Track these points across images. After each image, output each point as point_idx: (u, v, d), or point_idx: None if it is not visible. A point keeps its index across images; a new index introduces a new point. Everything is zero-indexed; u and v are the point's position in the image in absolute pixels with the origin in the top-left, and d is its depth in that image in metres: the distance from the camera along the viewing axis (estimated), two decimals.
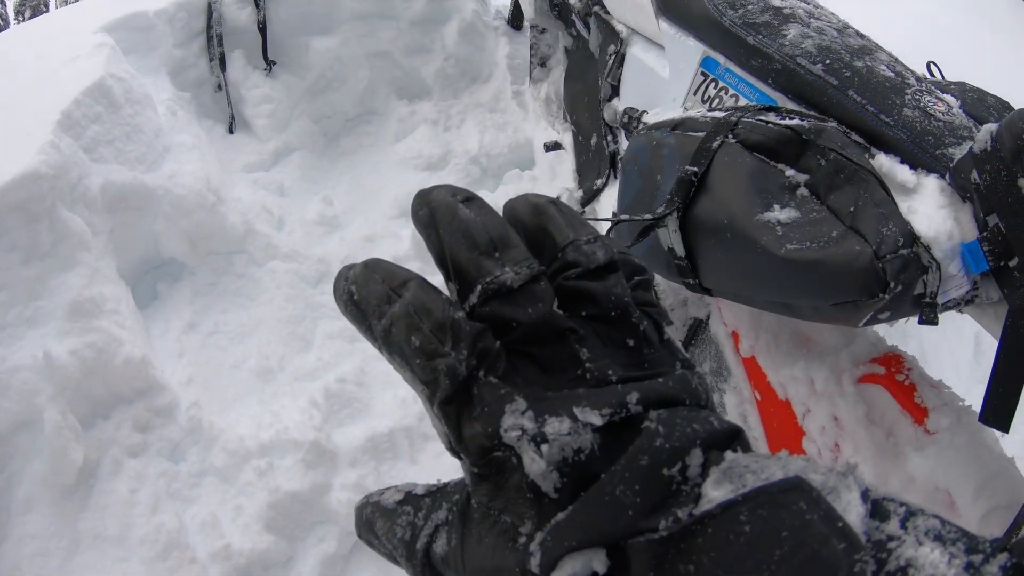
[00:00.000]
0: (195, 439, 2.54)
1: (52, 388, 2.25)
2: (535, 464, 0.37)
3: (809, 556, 0.31)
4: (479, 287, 0.40)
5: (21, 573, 2.12)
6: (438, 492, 0.46)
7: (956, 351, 3.06)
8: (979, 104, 1.56)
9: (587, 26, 2.57)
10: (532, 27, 3.35)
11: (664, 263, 1.54)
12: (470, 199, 0.44)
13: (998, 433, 1.37)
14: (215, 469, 2.51)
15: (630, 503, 0.35)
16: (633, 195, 1.63)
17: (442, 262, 0.43)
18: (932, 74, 1.87)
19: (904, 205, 1.29)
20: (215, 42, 3.63)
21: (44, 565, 2.15)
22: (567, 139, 3.00)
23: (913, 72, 1.56)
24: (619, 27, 2.34)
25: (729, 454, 0.37)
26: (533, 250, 0.43)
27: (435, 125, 3.85)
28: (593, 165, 2.67)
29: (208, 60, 3.67)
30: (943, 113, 1.44)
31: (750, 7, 1.70)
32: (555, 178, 3.32)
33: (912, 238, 1.23)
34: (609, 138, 2.49)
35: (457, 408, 0.39)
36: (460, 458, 0.41)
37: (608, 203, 2.55)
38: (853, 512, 0.34)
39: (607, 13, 2.41)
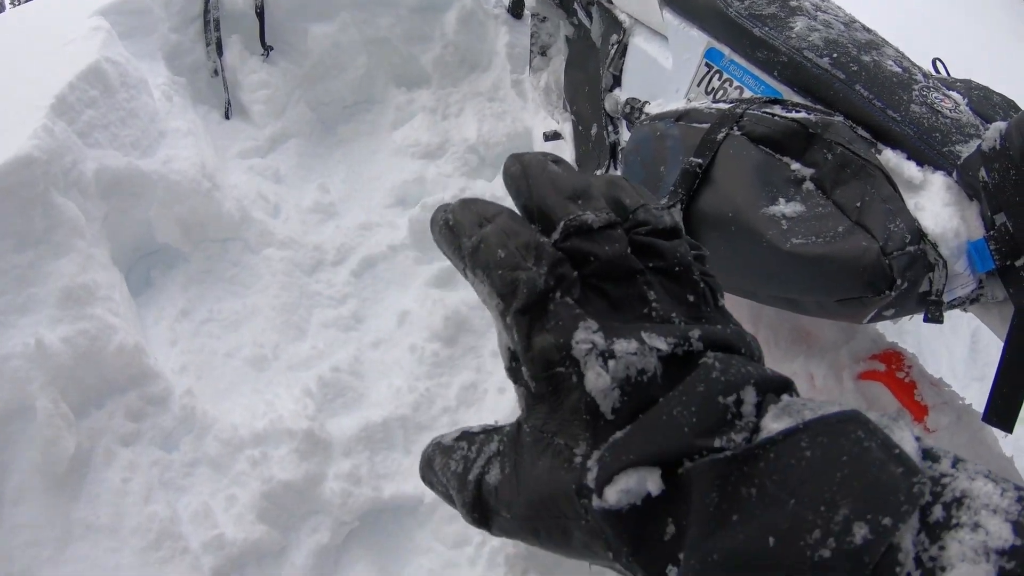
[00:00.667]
0: (188, 428, 2.52)
1: (44, 376, 2.23)
2: (600, 379, 0.39)
3: (869, 480, 0.34)
4: (562, 223, 0.44)
5: (13, 562, 2.10)
6: (493, 430, 0.48)
7: (953, 349, 3.06)
8: (985, 102, 1.55)
9: (589, 15, 2.56)
10: (533, 15, 3.33)
11: None
12: (558, 160, 0.48)
13: (998, 432, 1.37)
14: (208, 458, 2.50)
15: (687, 423, 0.38)
16: None
17: (527, 209, 0.46)
18: (938, 71, 1.86)
19: (910, 202, 1.28)
20: (212, 27, 3.61)
21: (36, 555, 2.14)
22: (567, 129, 2.98)
23: (920, 68, 1.55)
24: (622, 16, 2.32)
25: (786, 397, 0.40)
26: None
27: (433, 113, 3.83)
28: (593, 155, 2.65)
29: (205, 45, 3.64)
30: (950, 110, 1.43)
31: None
32: None
33: (919, 235, 1.23)
34: (609, 128, 2.48)
35: (530, 319, 0.42)
36: (517, 381, 0.44)
37: None
38: (908, 445, 0.36)
39: (610, 2, 2.39)
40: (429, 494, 2.53)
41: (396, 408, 2.72)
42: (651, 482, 0.37)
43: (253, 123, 3.67)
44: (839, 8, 1.72)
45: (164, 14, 3.50)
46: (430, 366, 2.84)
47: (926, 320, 1.25)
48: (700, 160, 1.42)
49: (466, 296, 3.00)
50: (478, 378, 2.83)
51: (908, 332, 2.96)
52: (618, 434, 0.39)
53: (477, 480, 0.46)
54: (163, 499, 2.34)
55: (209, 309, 2.95)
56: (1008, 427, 1.28)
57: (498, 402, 2.72)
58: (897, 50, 1.59)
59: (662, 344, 0.41)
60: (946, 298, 1.26)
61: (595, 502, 0.38)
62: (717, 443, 0.37)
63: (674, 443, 0.37)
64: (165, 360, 2.68)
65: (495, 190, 3.35)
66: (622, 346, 0.40)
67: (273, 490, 2.43)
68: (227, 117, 3.67)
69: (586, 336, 0.40)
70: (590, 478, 0.39)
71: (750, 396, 0.39)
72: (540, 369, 0.42)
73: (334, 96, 3.93)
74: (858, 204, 1.24)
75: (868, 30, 1.63)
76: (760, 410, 0.39)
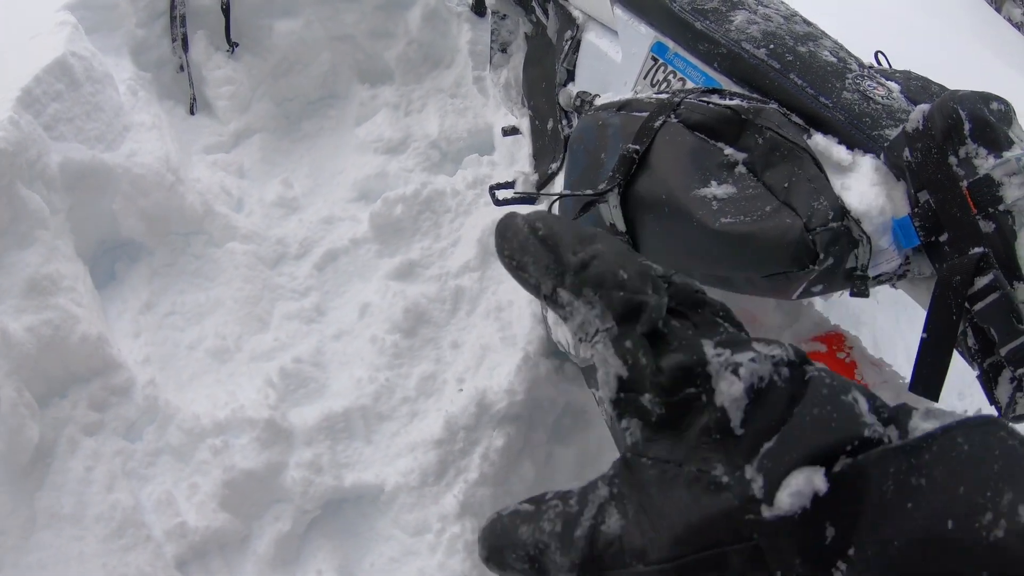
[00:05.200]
0: (151, 418, 2.54)
1: (8, 365, 2.25)
2: (733, 387, 0.41)
3: (1022, 472, 0.37)
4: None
5: None
6: (586, 486, 0.45)
7: (908, 337, 3.12)
8: (923, 91, 1.60)
9: (546, 12, 2.60)
10: (494, 13, 3.36)
11: None
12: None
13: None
14: (171, 447, 2.52)
15: (829, 418, 0.40)
16: (579, 173, 1.67)
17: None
18: (879, 63, 1.91)
19: (838, 183, 1.34)
20: (178, 22, 3.62)
21: (1, 544, 2.16)
22: (524, 124, 3.02)
23: (857, 59, 1.61)
24: (576, 13, 2.37)
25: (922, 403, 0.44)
26: None
27: (396, 109, 3.85)
28: (549, 149, 2.69)
29: (171, 40, 3.65)
30: (883, 97, 1.48)
31: None
32: (514, 163, 3.35)
33: (842, 212, 1.28)
34: (564, 122, 2.52)
35: (656, 342, 0.43)
36: (627, 414, 0.44)
37: (561, 184, 2.59)
38: None
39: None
40: (390, 482, 2.56)
41: (357, 398, 2.75)
42: (817, 480, 0.38)
43: (217, 118, 3.69)
44: (781, 2, 1.77)
45: (130, 9, 3.50)
46: (390, 357, 2.86)
47: (852, 294, 1.31)
48: (637, 146, 1.47)
49: (425, 288, 3.03)
50: (437, 368, 2.86)
51: (864, 323, 3.04)
52: (769, 443, 0.39)
53: (589, 535, 0.43)
54: (126, 488, 2.36)
55: (172, 302, 2.97)
56: (934, 396, 1.33)
57: (457, 393, 2.75)
58: (835, 42, 1.64)
59: (777, 351, 0.43)
60: (872, 273, 1.32)
61: (766, 512, 0.38)
62: (866, 432, 0.39)
63: (830, 438, 0.39)
64: (129, 351, 2.69)
65: (455, 184, 3.38)
66: (741, 356, 0.42)
67: (235, 479, 2.45)
68: (192, 112, 3.68)
69: (715, 351, 0.42)
70: (755, 488, 0.39)
71: (860, 397, 0.41)
72: (670, 392, 0.42)
73: (298, 92, 3.94)
74: (786, 184, 1.29)
75: (808, 23, 1.69)
76: (872, 408, 0.41)
